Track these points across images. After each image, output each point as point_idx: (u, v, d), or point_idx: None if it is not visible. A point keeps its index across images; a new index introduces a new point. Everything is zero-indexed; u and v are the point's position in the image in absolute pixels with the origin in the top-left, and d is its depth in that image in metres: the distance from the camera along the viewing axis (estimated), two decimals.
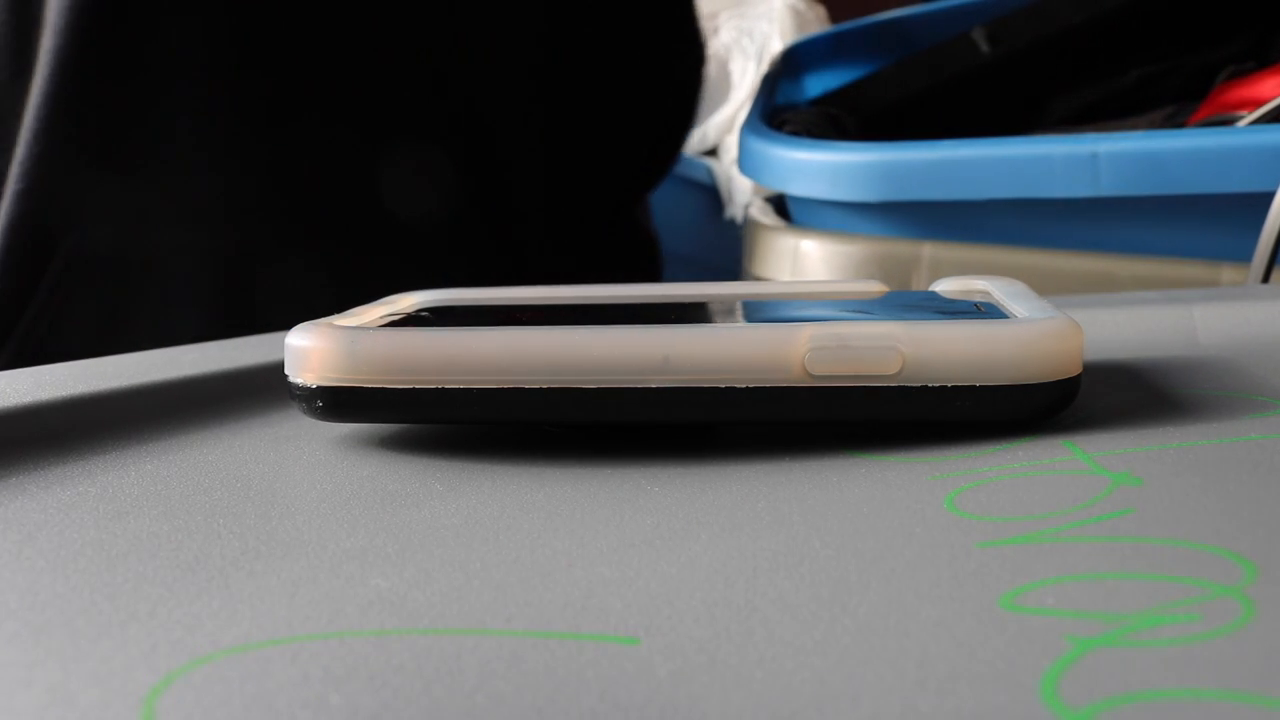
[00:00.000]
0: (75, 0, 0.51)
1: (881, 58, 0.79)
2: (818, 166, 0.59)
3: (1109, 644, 0.13)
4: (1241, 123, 0.56)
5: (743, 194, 0.86)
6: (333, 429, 0.25)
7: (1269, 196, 0.41)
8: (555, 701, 0.13)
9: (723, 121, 1.04)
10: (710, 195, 0.97)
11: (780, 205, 0.68)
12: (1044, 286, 0.30)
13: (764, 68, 0.87)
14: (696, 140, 1.08)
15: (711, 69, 1.13)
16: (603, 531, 0.18)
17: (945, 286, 0.30)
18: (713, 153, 1.04)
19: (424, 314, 0.28)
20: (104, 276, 0.53)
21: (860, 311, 0.26)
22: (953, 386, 0.22)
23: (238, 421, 0.26)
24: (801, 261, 0.60)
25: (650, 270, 0.72)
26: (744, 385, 0.22)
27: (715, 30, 1.16)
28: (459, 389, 0.22)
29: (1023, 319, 0.23)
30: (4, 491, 0.21)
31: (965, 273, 0.32)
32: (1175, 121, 0.65)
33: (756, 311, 0.29)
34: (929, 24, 0.79)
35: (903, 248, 0.57)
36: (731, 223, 0.89)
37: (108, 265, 0.53)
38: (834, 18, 1.07)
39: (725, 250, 0.79)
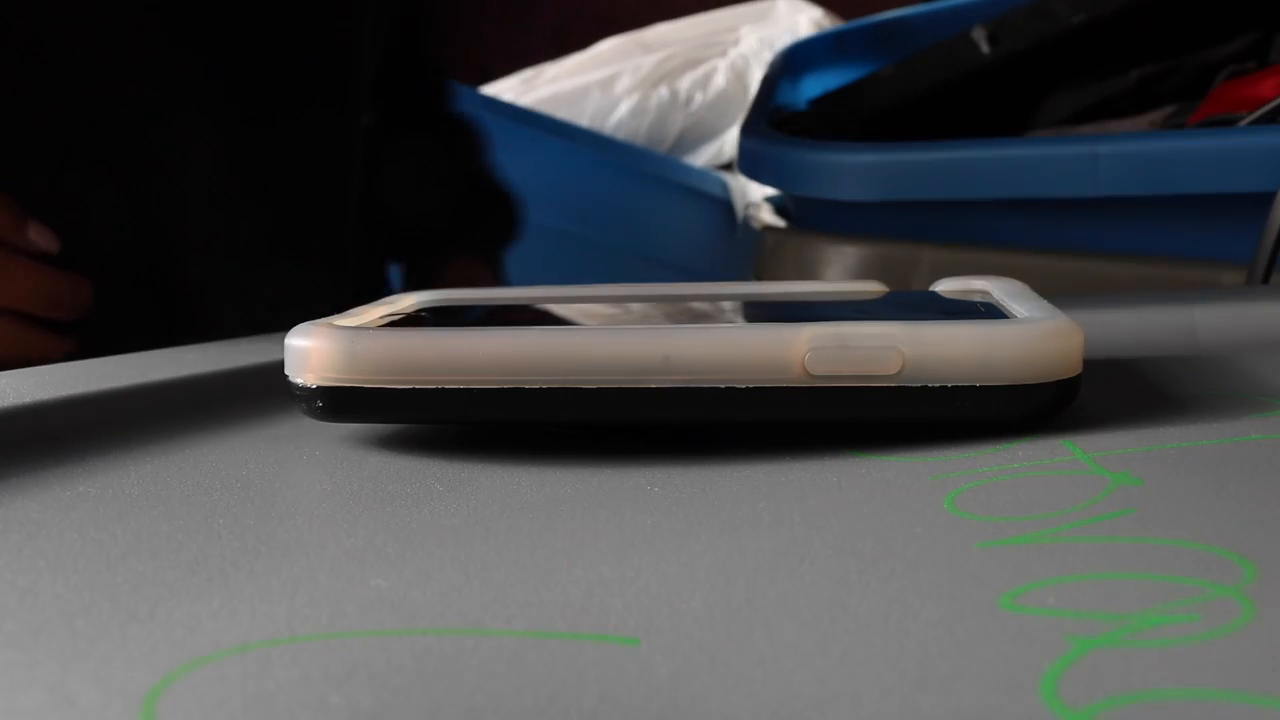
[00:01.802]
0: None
1: (881, 58, 0.79)
2: (818, 166, 0.59)
3: (1109, 644, 0.13)
4: (1241, 123, 0.56)
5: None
6: (333, 429, 0.25)
7: (1269, 196, 0.41)
8: (555, 701, 0.13)
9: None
10: (725, 209, 0.96)
11: (780, 205, 0.68)
12: (1044, 287, 0.30)
13: None
14: (713, 154, 1.08)
15: (729, 80, 1.13)
16: (603, 531, 0.18)
17: (945, 287, 0.30)
18: (729, 167, 1.04)
19: (424, 314, 0.28)
20: (131, 273, 0.58)
21: (860, 312, 0.26)
22: (953, 387, 0.22)
23: (238, 421, 0.26)
24: (802, 261, 0.60)
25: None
26: (744, 385, 0.22)
27: (736, 41, 1.15)
28: (459, 389, 0.22)
29: (1023, 319, 0.23)
30: (4, 491, 0.21)
31: (965, 273, 0.32)
32: (1175, 121, 0.65)
33: (756, 312, 0.29)
34: (929, 24, 0.80)
35: (903, 248, 0.57)
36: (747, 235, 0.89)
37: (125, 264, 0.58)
38: (838, 19, 1.08)
39: (740, 264, 0.80)
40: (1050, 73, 0.72)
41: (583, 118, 1.09)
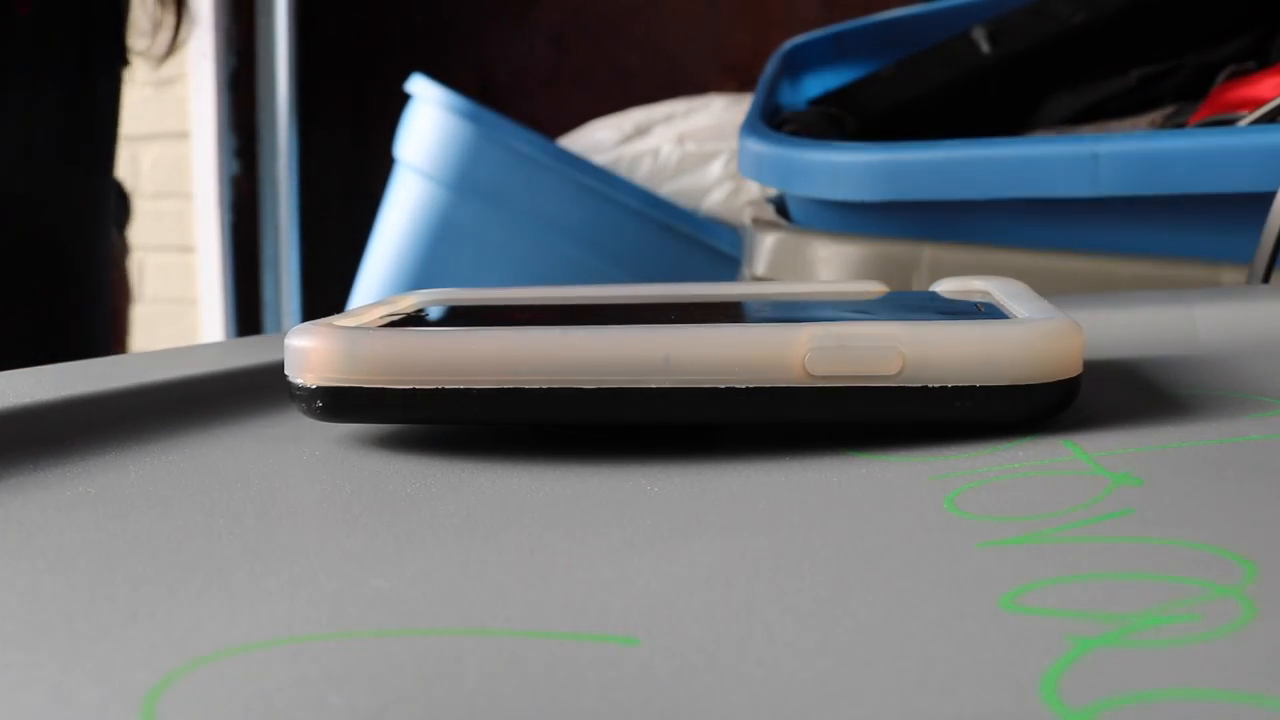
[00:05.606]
0: None
1: (881, 58, 0.79)
2: (818, 166, 0.59)
3: (1109, 644, 0.13)
4: (1241, 123, 0.56)
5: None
6: (333, 429, 0.25)
7: (1269, 196, 0.41)
8: (555, 701, 0.12)
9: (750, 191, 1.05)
10: (732, 263, 0.99)
11: (780, 205, 0.68)
12: (1044, 287, 0.30)
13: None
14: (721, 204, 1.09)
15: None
16: (603, 531, 0.18)
17: (945, 287, 0.30)
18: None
19: (424, 314, 0.28)
20: None
21: (860, 312, 0.26)
22: (953, 387, 0.22)
23: (238, 421, 0.26)
24: (802, 261, 0.60)
25: None
26: (744, 385, 0.22)
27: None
28: (459, 389, 0.22)
29: (1023, 319, 0.23)
30: (4, 491, 0.21)
31: (965, 273, 0.32)
32: (1175, 121, 0.65)
33: (757, 312, 0.29)
34: (929, 24, 0.79)
35: (903, 248, 0.57)
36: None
37: None
38: (834, 18, 1.09)
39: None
40: (1050, 73, 0.72)
41: (669, 189, 1.10)
